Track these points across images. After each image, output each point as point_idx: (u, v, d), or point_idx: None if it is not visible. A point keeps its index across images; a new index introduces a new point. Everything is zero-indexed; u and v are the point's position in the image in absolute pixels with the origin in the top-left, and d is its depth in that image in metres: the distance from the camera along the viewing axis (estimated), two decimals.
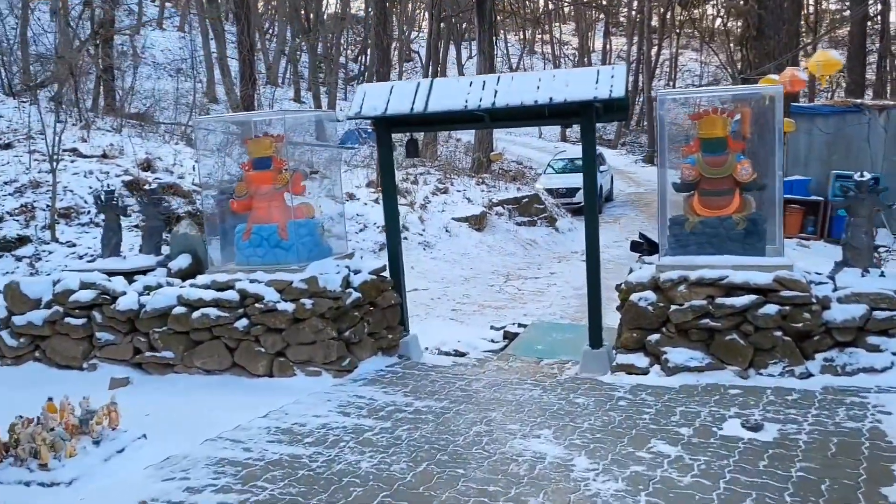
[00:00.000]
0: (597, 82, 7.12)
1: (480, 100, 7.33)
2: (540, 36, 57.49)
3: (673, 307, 6.18)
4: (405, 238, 15.33)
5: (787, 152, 17.97)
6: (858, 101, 18.99)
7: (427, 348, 9.06)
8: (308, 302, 6.54)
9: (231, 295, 6.71)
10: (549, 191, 23.22)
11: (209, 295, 6.76)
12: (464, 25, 49.60)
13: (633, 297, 6.41)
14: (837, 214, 17.89)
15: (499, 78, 7.51)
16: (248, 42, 18.95)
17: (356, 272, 7.23)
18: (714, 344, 6.10)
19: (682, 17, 42.72)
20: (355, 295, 6.93)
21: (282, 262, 6.92)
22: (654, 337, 6.27)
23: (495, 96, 7.31)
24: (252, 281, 6.77)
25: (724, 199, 6.37)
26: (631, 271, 7.04)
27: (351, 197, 16.09)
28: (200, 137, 8.18)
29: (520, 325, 9.75)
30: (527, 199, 19.06)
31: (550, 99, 7.11)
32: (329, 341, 6.56)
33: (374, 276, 7.43)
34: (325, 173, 8.52)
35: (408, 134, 8.61)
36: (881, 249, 18.57)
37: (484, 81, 7.54)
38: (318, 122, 8.65)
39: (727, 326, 6.02)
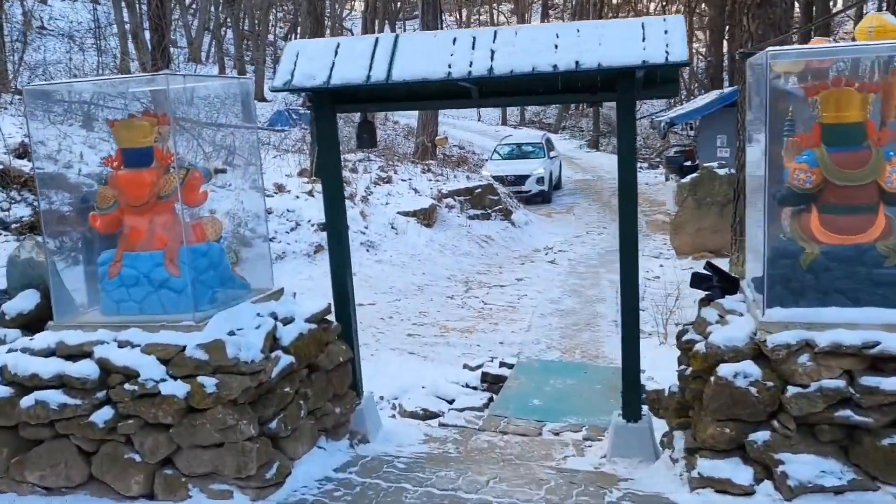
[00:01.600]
0: (644, 40, 4.69)
1: (471, 64, 4.83)
2: (476, 17, 55.04)
3: (790, 389, 3.83)
4: None
5: None
6: None
7: (383, 398, 6.60)
8: (210, 381, 3.99)
9: (86, 368, 4.10)
10: (497, 178, 20.87)
11: (51, 367, 4.13)
12: (398, 5, 46.82)
13: (724, 370, 4.00)
14: None
15: (496, 33, 5.01)
16: (160, 9, 15.96)
17: (287, 321, 4.67)
18: (858, 450, 3.78)
19: None
20: (285, 360, 4.39)
21: (170, 314, 4.33)
22: (761, 435, 3.89)
23: (492, 59, 4.82)
24: (121, 345, 4.17)
25: (863, 218, 4.02)
26: (703, 324, 4.61)
27: (280, 189, 13.39)
28: (34, 110, 5.45)
29: (501, 364, 7.34)
30: (480, 190, 16.65)
31: (577, 64, 4.65)
32: (244, 444, 4.03)
33: (315, 325, 4.88)
34: (247, 159, 5.92)
35: (360, 114, 6.03)
36: None
37: (473, 37, 5.02)
38: (231, 93, 6.03)
39: (881, 423, 3.72)
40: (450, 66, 4.86)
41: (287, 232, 12.19)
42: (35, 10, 24.77)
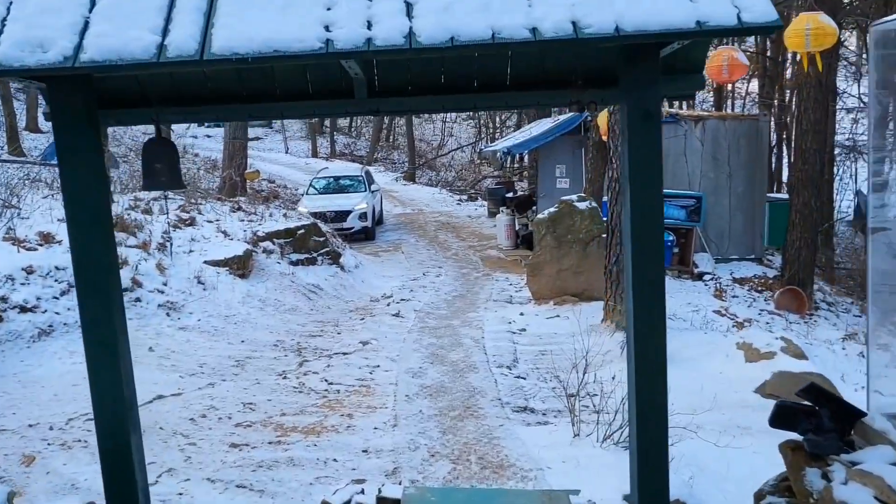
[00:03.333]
0: None
1: (369, 26, 2.44)
2: None
3: None
4: (136, 301, 9.72)
5: (604, 172, 14.61)
6: (673, 110, 16.23)
7: None
8: None
9: None
10: (316, 215, 18.34)
11: None
12: None
13: None
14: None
15: None
16: None
17: None
18: None
19: None
20: None
21: None
22: None
23: (411, 15, 2.46)
24: None
25: None
26: (805, 496, 2.46)
27: (48, 240, 10.10)
28: None
29: (381, 501, 4.86)
30: (302, 231, 14.00)
31: (575, 26, 2.41)
32: None
33: None
34: None
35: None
36: (706, 277, 15.96)
37: None
38: None
39: None
40: (328, 30, 2.44)
41: (56, 297, 9.00)
42: None
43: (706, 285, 14.45)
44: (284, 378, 8.14)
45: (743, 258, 15.67)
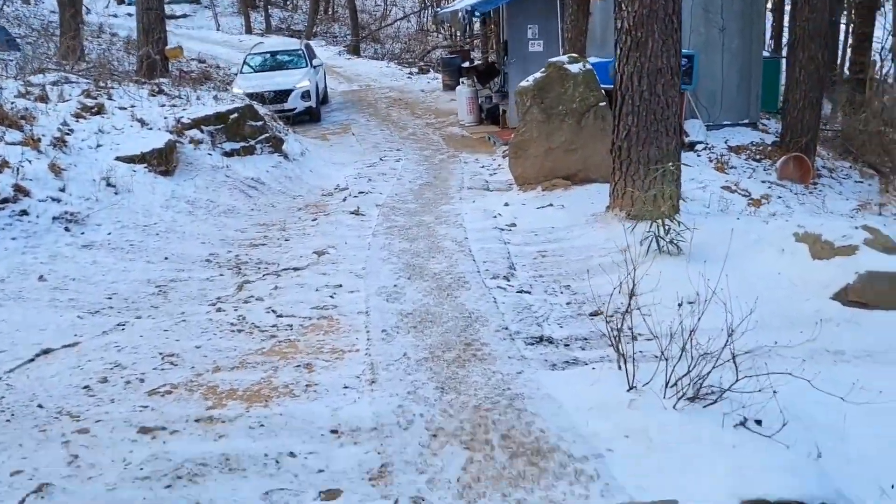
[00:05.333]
0: None
1: None
2: None
3: None
4: (22, 215, 7.45)
5: (586, 30, 12.29)
6: None
7: None
8: None
9: None
10: (252, 97, 15.78)
11: None
12: None
13: None
14: None
15: None
16: None
17: None
18: None
19: None
20: None
21: None
22: None
23: None
24: None
25: None
26: None
27: None
28: None
29: None
30: (236, 115, 11.55)
31: None
32: None
33: None
34: None
35: None
36: (698, 147, 14.03)
37: None
38: None
39: None
40: None
41: None
42: None
43: (699, 156, 12.57)
44: (219, 310, 6.06)
45: (736, 124, 13.76)
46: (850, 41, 20.83)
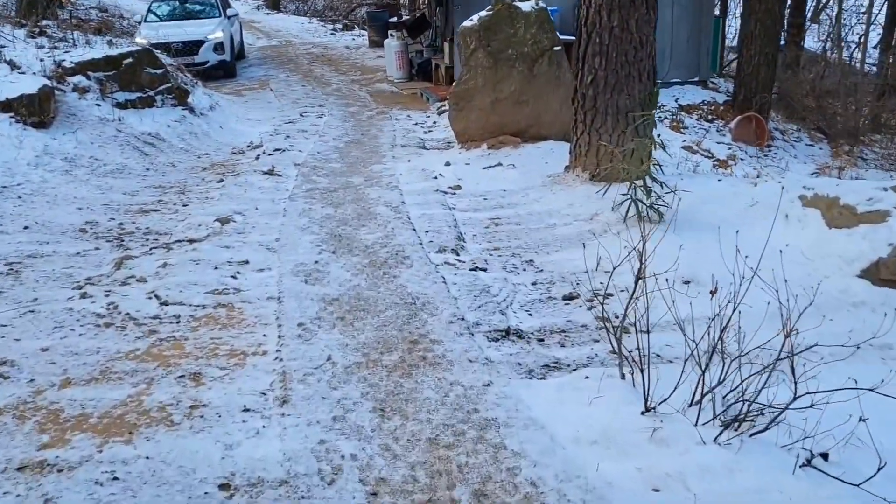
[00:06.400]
0: None
1: None
2: None
3: None
4: None
5: None
6: None
7: None
8: None
9: None
10: (158, 48, 13.90)
11: None
12: None
13: None
14: None
15: None
16: None
17: None
18: None
19: None
20: None
21: None
22: None
23: None
24: None
25: None
26: None
27: None
28: None
29: None
30: (131, 60, 9.75)
31: None
32: None
33: None
34: None
35: None
36: None
37: None
38: None
39: None
40: None
41: None
42: None
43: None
44: (84, 296, 4.56)
45: (686, 82, 12.72)
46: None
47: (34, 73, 8.78)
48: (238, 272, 4.88)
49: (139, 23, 17.21)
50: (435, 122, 10.73)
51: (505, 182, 6.94)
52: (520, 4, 7.65)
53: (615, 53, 6.25)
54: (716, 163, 8.72)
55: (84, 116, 8.67)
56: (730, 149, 10.07)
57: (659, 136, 6.08)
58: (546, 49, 7.67)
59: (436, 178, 7.17)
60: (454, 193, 6.73)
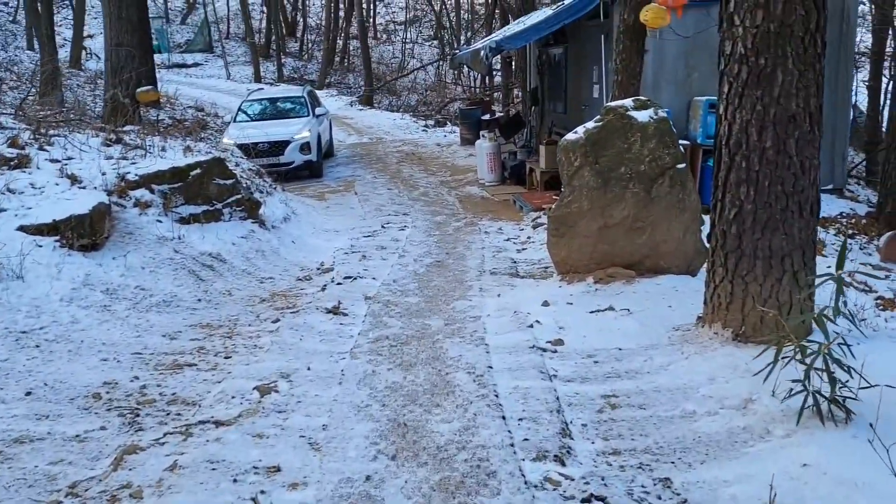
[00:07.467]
0: None
1: None
2: None
3: None
4: None
5: (640, 72, 9.66)
6: None
7: None
8: None
9: None
10: (243, 148, 13.36)
11: None
12: None
13: None
14: (708, 165, 10.20)
15: None
16: None
17: None
18: None
19: None
20: None
21: None
22: None
23: None
24: None
25: None
26: None
27: None
28: None
29: None
30: (199, 171, 8.92)
31: None
32: None
33: None
34: None
35: None
36: None
37: None
38: None
39: None
40: None
41: None
42: None
43: None
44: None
45: (819, 190, 10.92)
46: None
47: (95, 188, 8.01)
48: (262, 491, 3.53)
49: (228, 123, 16.92)
50: (529, 238, 9.41)
51: (619, 336, 5.45)
52: (635, 114, 6.30)
53: (768, 182, 4.80)
54: (879, 302, 6.98)
55: (141, 235, 7.78)
56: (887, 277, 8.26)
57: (844, 300, 4.48)
58: (667, 167, 6.26)
59: (531, 326, 5.74)
60: (555, 351, 5.28)
